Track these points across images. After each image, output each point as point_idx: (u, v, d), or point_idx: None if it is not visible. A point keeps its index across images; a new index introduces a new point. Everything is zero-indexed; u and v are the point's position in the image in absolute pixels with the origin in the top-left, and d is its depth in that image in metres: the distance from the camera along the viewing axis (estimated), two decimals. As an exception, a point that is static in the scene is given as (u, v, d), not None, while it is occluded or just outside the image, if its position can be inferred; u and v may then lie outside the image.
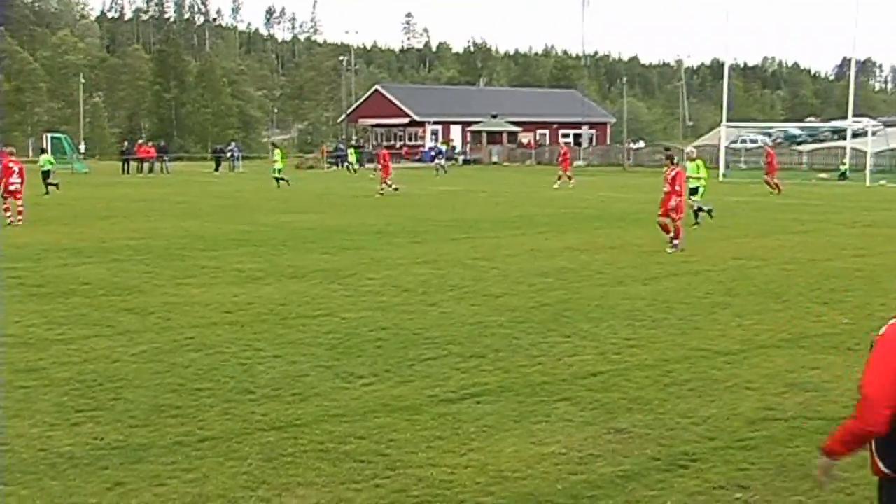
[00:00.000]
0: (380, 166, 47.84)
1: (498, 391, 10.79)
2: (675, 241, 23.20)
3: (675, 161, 24.63)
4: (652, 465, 8.52)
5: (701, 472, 8.33)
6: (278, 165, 53.84)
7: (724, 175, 58.22)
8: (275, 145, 57.69)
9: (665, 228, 23.56)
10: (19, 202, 31.50)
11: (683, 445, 9.01)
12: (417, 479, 8.17)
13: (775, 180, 45.63)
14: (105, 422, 9.65)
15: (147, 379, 11.29)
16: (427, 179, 61.80)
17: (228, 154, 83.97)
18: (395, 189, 44.76)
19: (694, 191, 29.05)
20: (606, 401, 10.40)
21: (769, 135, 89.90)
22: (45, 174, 47.70)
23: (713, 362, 12.18)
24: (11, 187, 31.56)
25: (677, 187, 23.69)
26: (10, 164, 32.41)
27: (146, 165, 77.61)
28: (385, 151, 50.25)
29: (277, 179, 52.62)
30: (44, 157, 50.93)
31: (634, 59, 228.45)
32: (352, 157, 76.85)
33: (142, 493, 7.87)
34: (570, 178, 52.14)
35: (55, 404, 10.27)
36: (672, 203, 23.56)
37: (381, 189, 44.66)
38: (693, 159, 30.47)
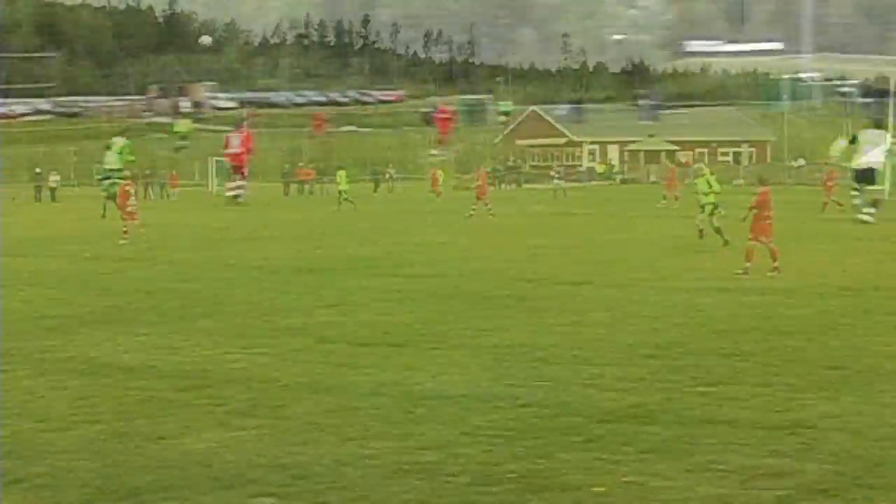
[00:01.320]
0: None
1: (656, 413, 10.66)
2: (775, 265, 21.97)
3: (764, 182, 23.94)
4: (815, 487, 8.34)
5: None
6: (343, 187, 54.46)
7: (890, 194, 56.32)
8: (340, 168, 58.46)
9: (748, 255, 22.38)
10: (136, 222, 33.43)
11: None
12: (573, 501, 8.13)
13: (833, 198, 45.33)
14: (267, 439, 9.84)
15: (307, 397, 11.48)
16: (578, 200, 61.63)
17: (386, 176, 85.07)
18: (491, 214, 42.73)
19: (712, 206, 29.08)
20: (768, 423, 10.19)
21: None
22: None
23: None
24: (129, 208, 33.77)
25: (764, 211, 22.74)
26: (127, 188, 35.14)
27: (307, 187, 79.19)
28: (483, 171, 48.58)
29: (342, 200, 52.86)
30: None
31: (795, 77, 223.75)
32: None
33: (303, 511, 8.02)
34: (675, 198, 49.04)
35: (219, 422, 10.51)
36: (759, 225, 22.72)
37: (474, 209, 42.91)
38: (702, 175, 30.59)
